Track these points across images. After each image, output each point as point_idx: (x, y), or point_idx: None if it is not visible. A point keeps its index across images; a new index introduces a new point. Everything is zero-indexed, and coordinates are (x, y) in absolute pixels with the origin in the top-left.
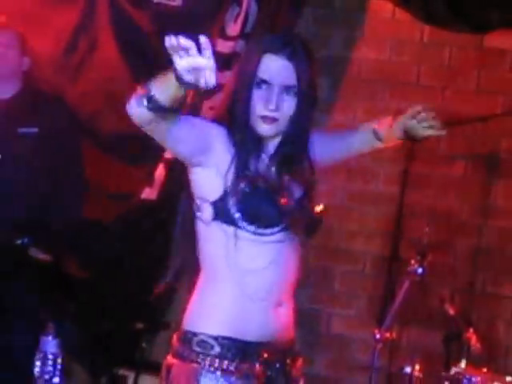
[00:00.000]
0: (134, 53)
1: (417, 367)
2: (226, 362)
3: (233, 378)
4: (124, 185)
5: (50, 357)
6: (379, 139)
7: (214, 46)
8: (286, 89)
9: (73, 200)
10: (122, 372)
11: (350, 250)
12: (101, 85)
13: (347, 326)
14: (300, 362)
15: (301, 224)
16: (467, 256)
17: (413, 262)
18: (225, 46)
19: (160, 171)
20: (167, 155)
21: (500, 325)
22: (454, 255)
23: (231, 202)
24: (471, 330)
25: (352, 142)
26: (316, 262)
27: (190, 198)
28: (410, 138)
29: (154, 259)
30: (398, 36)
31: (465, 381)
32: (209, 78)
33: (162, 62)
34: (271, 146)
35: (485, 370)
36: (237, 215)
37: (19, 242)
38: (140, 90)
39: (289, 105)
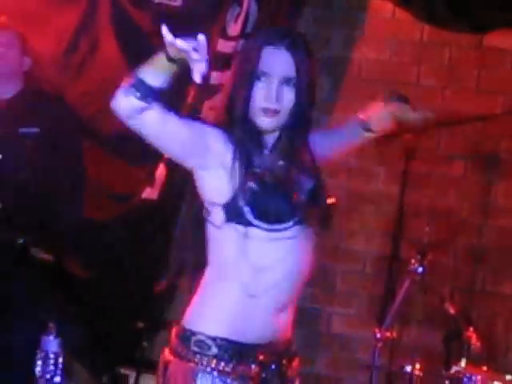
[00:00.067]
0: (135, 53)
1: (417, 366)
2: (222, 363)
3: (229, 379)
4: (125, 185)
5: (52, 356)
6: (368, 130)
7: (214, 46)
8: (286, 80)
9: (73, 200)
10: (123, 371)
11: (350, 249)
12: (102, 85)
13: (347, 325)
14: (296, 362)
15: (314, 215)
16: (467, 255)
17: (413, 261)
18: (226, 46)
19: (161, 171)
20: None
21: (500, 323)
22: (454, 254)
23: (242, 202)
24: (471, 329)
25: (341, 137)
26: (316, 262)
27: (195, 201)
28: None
29: (155, 259)
30: (398, 36)
31: (465, 379)
32: (198, 71)
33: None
34: (271, 139)
35: (485, 368)
36: (249, 214)
37: (20, 241)
38: (126, 81)
39: (289, 97)
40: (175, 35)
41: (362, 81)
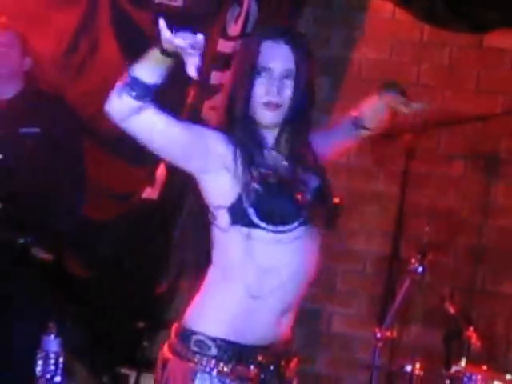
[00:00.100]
0: (135, 53)
1: (417, 366)
2: (221, 364)
3: (227, 380)
4: (125, 185)
5: (52, 356)
6: (362, 127)
7: (214, 46)
8: (286, 74)
9: (73, 200)
10: (123, 371)
11: (350, 249)
12: (102, 85)
13: (348, 324)
14: (294, 362)
15: (320, 216)
16: (467, 255)
17: (413, 260)
18: (226, 46)
19: (161, 171)
20: None
21: (500, 323)
22: (454, 254)
23: (246, 204)
24: (471, 329)
25: (337, 136)
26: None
27: (196, 202)
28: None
29: (155, 259)
30: (398, 36)
31: (465, 379)
32: (192, 65)
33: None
34: (271, 138)
35: (485, 368)
36: (254, 216)
37: (20, 241)
38: (120, 82)
39: (290, 90)
40: (171, 29)
41: (361, 81)
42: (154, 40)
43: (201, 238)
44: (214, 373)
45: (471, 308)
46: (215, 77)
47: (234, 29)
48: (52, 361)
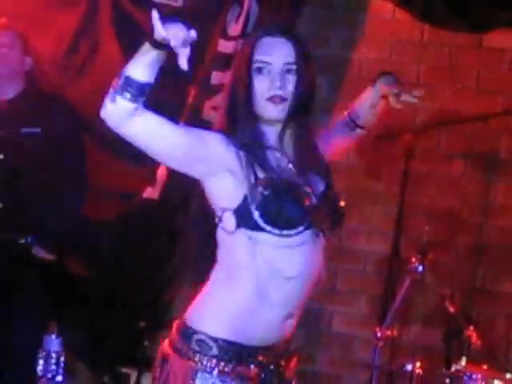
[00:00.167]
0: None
1: (418, 365)
2: (222, 364)
3: (228, 379)
4: (126, 185)
5: (53, 355)
6: (356, 125)
7: (215, 46)
8: (287, 68)
9: (74, 200)
10: (124, 370)
11: (351, 248)
12: (103, 85)
13: (348, 324)
14: (294, 361)
15: (326, 219)
16: (467, 254)
17: (413, 260)
18: (226, 46)
19: (162, 171)
20: None
21: (500, 322)
22: (454, 253)
23: (252, 207)
24: (471, 328)
25: (334, 136)
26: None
27: (202, 203)
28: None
29: (155, 259)
30: (398, 36)
31: (465, 378)
32: (184, 56)
33: (164, 63)
34: (274, 134)
35: (485, 367)
36: (260, 220)
37: (21, 241)
38: (113, 86)
39: (292, 84)
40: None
41: (362, 81)
42: (147, 34)
43: (205, 239)
44: (215, 372)
45: (471, 307)
46: (216, 77)
47: (234, 29)
48: (53, 360)
